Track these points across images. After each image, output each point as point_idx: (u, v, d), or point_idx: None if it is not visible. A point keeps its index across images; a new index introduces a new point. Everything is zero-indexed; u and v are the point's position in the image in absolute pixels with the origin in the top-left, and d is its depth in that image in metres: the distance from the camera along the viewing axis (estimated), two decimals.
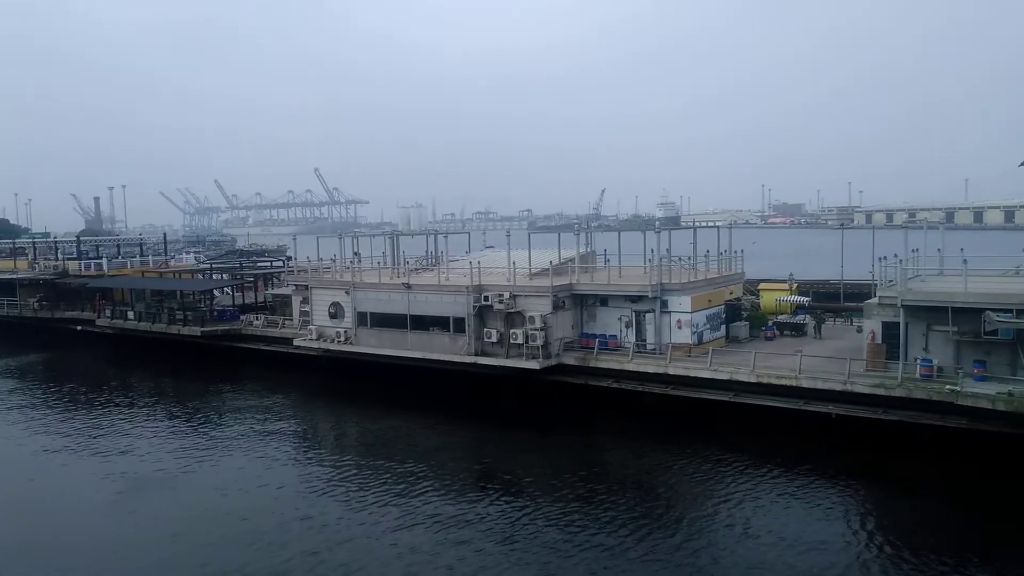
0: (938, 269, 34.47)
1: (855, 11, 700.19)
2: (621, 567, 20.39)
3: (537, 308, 36.38)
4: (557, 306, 36.76)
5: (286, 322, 49.06)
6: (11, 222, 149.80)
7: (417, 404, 38.68)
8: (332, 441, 34.97)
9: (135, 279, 61.46)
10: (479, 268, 39.10)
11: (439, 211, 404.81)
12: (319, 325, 44.03)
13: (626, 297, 37.04)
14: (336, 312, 43.54)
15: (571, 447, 31.82)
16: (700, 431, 31.42)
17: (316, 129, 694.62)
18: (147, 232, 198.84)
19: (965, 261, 29.68)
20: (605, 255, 45.77)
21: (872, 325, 30.93)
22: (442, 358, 38.52)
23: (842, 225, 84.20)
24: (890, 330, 29.90)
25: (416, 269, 47.99)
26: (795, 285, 45.84)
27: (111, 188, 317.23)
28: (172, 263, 73.23)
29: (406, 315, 39.88)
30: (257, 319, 51.16)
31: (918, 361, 28.52)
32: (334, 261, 48.78)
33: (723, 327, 38.51)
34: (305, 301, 46.35)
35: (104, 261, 67.08)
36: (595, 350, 36.02)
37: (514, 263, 38.87)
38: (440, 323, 38.77)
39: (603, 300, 37.87)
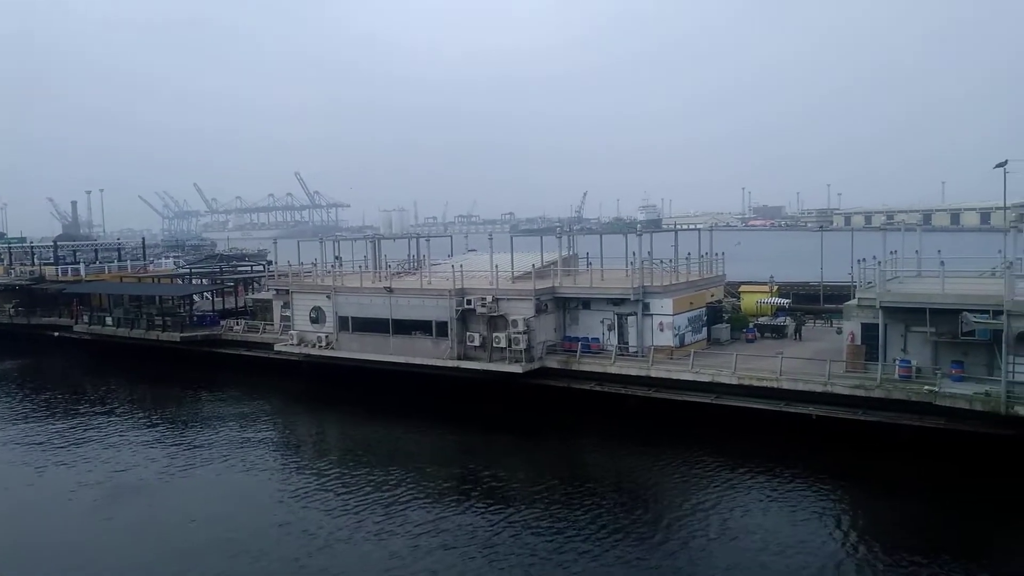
0: (916, 271, 34.81)
1: (855, 11, 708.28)
2: (603, 569, 20.39)
3: (520, 312, 36.34)
4: (540, 309, 36.75)
5: (267, 327, 48.63)
6: None
7: (399, 409, 38.51)
8: (313, 447, 34.68)
9: (113, 284, 60.72)
10: (461, 272, 39.00)
11: (421, 214, 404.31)
12: (300, 330, 43.72)
13: (608, 300, 37.10)
14: (317, 317, 43.25)
15: (554, 450, 31.80)
16: (682, 433, 31.53)
17: (315, 129, 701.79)
18: (125, 237, 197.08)
19: (942, 263, 30.04)
20: (587, 258, 45.85)
21: (851, 327, 31.17)
22: (424, 362, 38.36)
23: (821, 227, 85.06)
24: (869, 331, 30.12)
25: (398, 273, 47.81)
26: (775, 287, 46.14)
27: (88, 192, 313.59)
28: (151, 268, 72.32)
29: (388, 319, 39.68)
30: (237, 324, 50.68)
31: (897, 362, 28.77)
32: (315, 265, 48.48)
33: (704, 329, 38.69)
34: (286, 306, 46.01)
35: (81, 266, 66.28)
36: (578, 353, 36.04)
37: (497, 266, 38.84)
38: (422, 327, 38.61)
39: (585, 303, 37.91)
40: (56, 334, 58.87)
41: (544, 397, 36.18)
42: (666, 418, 32.78)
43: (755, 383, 30.91)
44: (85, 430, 36.29)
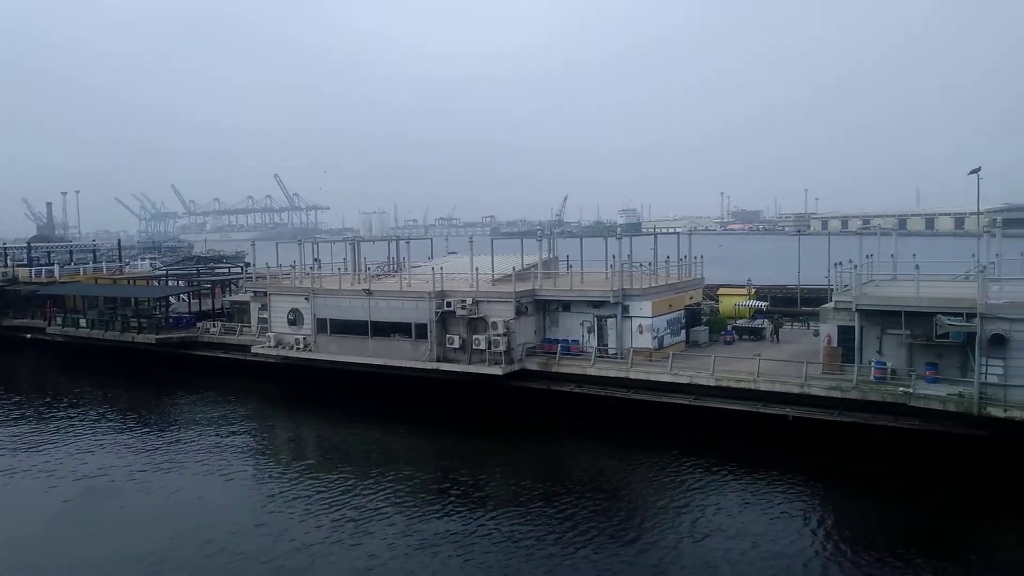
0: (892, 274, 35.16)
1: (831, 14, 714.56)
2: (580, 568, 20.39)
3: (500, 314, 36.29)
4: (520, 312, 36.72)
5: (244, 329, 48.20)
6: None
7: (378, 411, 38.28)
8: (290, 449, 34.37)
9: (88, 286, 59.94)
10: (442, 274, 38.90)
11: (401, 217, 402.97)
12: (278, 332, 43.37)
13: (588, 302, 37.16)
14: (295, 319, 42.92)
15: (533, 452, 31.74)
16: (661, 435, 31.60)
17: (315, 127, 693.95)
18: (101, 238, 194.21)
19: (917, 267, 30.37)
20: (568, 261, 45.89)
21: (828, 329, 31.44)
22: (403, 365, 38.18)
23: (798, 231, 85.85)
24: (845, 334, 30.40)
25: (378, 275, 47.58)
26: (753, 290, 46.46)
27: (64, 194, 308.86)
28: (127, 269, 71.67)
29: (367, 321, 39.44)
30: (214, 326, 50.20)
31: (872, 364, 29.05)
32: (293, 267, 48.14)
33: (683, 332, 38.86)
34: (264, 308, 45.65)
35: (56, 267, 65.44)
36: (557, 355, 36.05)
37: (477, 269, 38.76)
38: (402, 329, 38.43)
39: (565, 305, 37.95)
40: (29, 336, 58.01)
41: (524, 399, 36.14)
42: (645, 420, 32.87)
43: (733, 385, 31.08)
44: (57, 432, 35.71)
